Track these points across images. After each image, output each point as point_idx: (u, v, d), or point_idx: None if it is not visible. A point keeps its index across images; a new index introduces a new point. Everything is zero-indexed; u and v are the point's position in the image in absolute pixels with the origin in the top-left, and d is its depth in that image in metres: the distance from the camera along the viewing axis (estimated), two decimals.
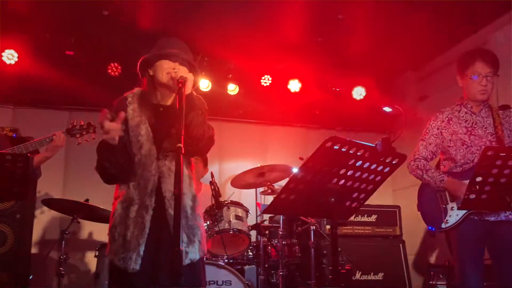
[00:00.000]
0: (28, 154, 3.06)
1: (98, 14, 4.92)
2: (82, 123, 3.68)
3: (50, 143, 3.60)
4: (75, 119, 3.76)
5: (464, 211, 3.12)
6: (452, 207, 3.20)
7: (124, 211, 2.46)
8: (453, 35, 5.42)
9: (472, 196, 2.44)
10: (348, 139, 2.02)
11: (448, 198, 3.24)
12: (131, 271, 2.37)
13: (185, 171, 2.55)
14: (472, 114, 3.33)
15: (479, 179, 2.36)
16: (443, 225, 3.22)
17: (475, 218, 3.12)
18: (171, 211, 2.42)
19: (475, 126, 3.29)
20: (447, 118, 3.36)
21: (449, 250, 3.66)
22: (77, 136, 3.63)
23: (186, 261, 2.43)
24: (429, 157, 3.38)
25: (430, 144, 3.37)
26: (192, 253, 2.48)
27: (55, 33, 5.27)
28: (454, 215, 3.17)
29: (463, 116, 3.33)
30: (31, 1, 4.71)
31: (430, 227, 3.39)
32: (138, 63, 2.64)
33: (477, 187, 2.41)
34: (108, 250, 2.49)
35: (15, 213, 4.52)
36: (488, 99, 3.32)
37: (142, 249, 2.39)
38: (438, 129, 3.36)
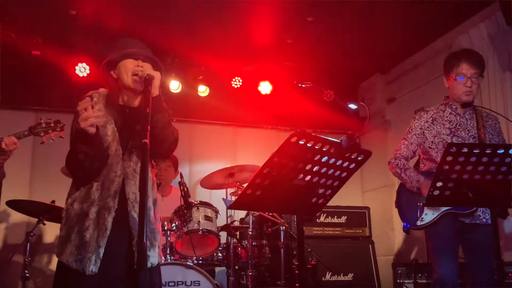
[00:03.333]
0: None
1: (65, 13, 4.85)
2: (50, 121, 3.54)
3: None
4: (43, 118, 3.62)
5: (440, 211, 3.16)
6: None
7: (83, 212, 2.38)
8: (419, 39, 5.52)
9: (436, 192, 2.47)
10: (313, 134, 2.03)
11: None
12: (89, 273, 2.30)
13: (149, 173, 2.51)
14: (457, 115, 3.32)
15: (442, 175, 2.39)
16: (418, 223, 3.25)
17: (451, 218, 3.16)
18: (133, 214, 2.40)
19: (459, 127, 3.29)
20: (431, 118, 3.35)
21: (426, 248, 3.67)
22: (41, 134, 3.46)
23: (148, 265, 2.40)
24: (410, 156, 3.40)
25: (411, 143, 3.38)
26: (153, 257, 2.48)
27: (21, 33, 5.16)
28: (430, 213, 3.20)
29: (447, 117, 3.33)
30: None
31: (405, 224, 3.41)
32: (101, 66, 2.58)
33: (441, 183, 2.44)
34: (59, 251, 2.39)
35: None
36: (473, 100, 3.31)
37: (102, 251, 2.34)
38: (421, 129, 3.36)
